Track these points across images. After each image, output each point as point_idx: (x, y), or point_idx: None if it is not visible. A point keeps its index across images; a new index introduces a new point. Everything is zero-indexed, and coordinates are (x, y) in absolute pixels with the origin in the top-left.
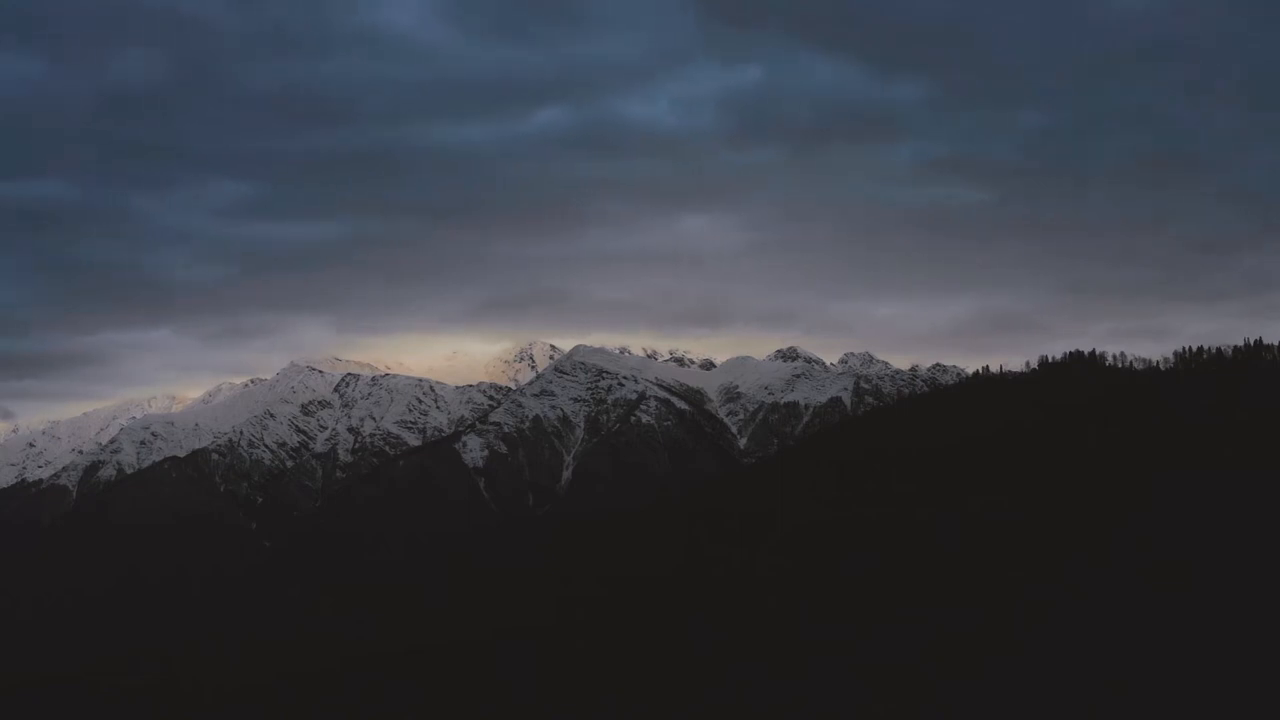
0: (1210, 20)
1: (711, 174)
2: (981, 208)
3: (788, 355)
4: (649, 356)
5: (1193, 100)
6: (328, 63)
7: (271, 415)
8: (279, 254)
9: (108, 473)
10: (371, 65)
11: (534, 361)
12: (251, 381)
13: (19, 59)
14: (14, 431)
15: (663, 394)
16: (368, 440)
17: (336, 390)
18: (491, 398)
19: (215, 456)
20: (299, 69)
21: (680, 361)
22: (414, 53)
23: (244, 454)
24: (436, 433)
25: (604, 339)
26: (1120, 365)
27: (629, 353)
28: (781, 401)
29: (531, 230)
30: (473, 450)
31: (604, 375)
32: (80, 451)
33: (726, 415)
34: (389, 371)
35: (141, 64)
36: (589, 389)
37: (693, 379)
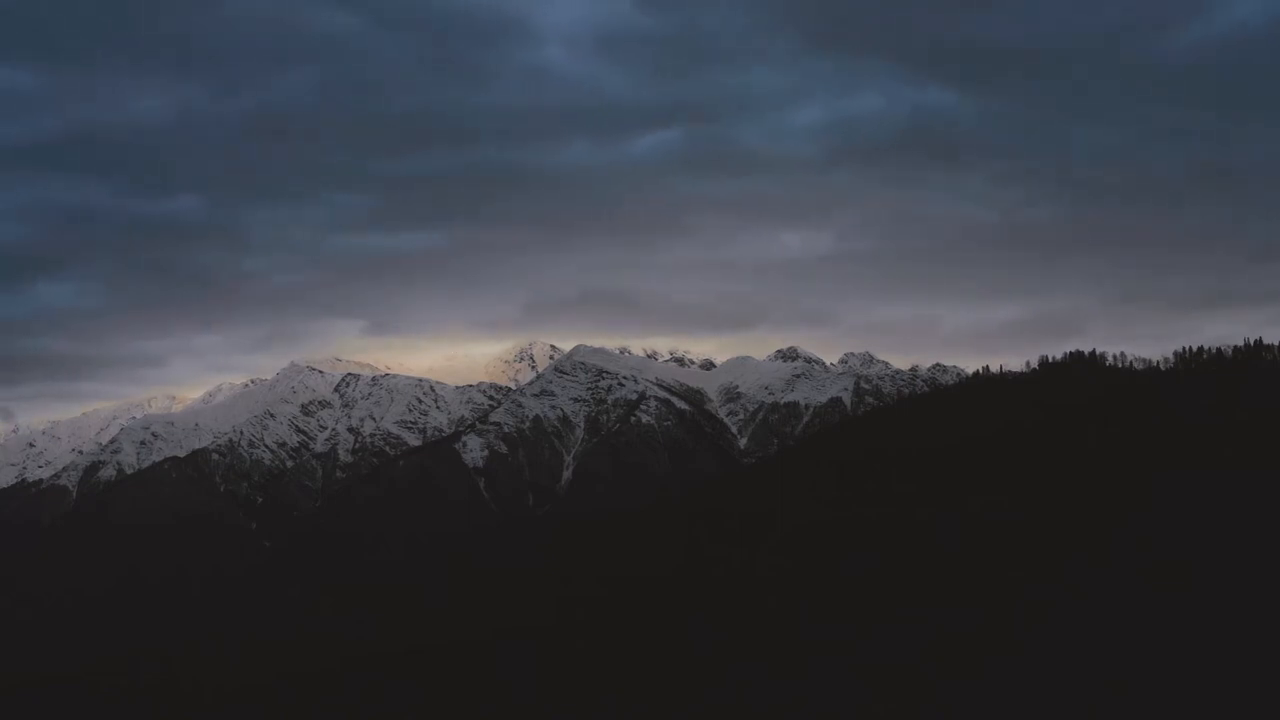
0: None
1: (805, 191)
2: (1048, 220)
3: (788, 355)
4: (649, 356)
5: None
6: (459, 88)
7: (271, 415)
8: (377, 262)
9: (108, 473)
10: (500, 91)
11: (534, 361)
12: (252, 381)
13: (176, 84)
14: (14, 431)
15: (663, 394)
16: (368, 440)
17: (337, 390)
18: (491, 398)
19: (215, 456)
20: (434, 93)
21: (680, 361)
22: (542, 81)
23: (244, 454)
24: (436, 433)
25: (678, 342)
26: (1120, 365)
27: (629, 353)
28: (781, 401)
29: (626, 240)
30: (473, 450)
31: (604, 375)
32: (80, 451)
33: (726, 415)
34: (389, 371)
35: (290, 86)
36: (589, 389)
37: (693, 379)
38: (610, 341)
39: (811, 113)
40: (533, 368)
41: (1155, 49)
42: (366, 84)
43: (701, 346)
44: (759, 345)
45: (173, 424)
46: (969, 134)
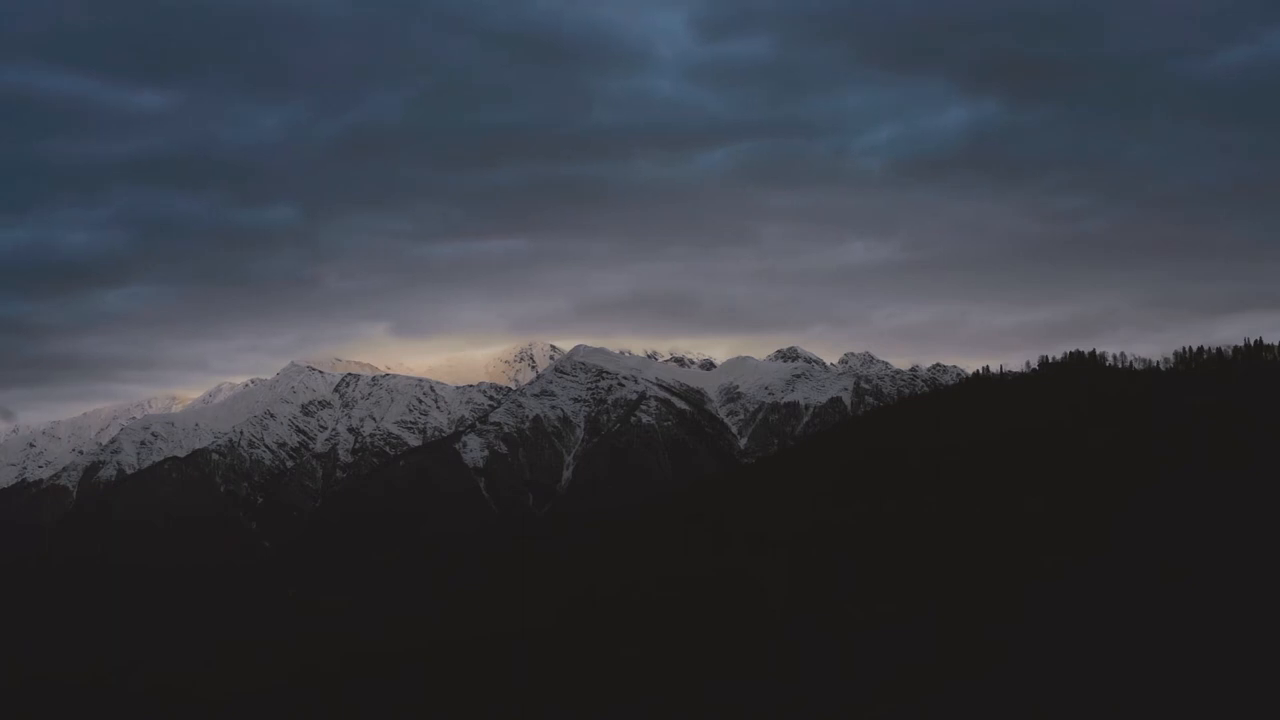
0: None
1: (869, 203)
2: (1099, 230)
3: (788, 355)
4: (649, 357)
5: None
6: (546, 103)
7: (272, 415)
8: (449, 268)
9: (108, 473)
10: (588, 107)
11: (534, 362)
12: (252, 381)
13: (277, 105)
14: (14, 431)
15: (663, 394)
16: (368, 440)
17: (337, 390)
18: (492, 398)
19: (215, 456)
20: (521, 110)
21: (680, 361)
22: (629, 99)
23: (244, 454)
24: (437, 433)
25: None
26: (1120, 365)
27: (629, 353)
28: (781, 401)
29: (698, 248)
30: (473, 450)
31: (604, 375)
32: (80, 451)
33: (727, 415)
34: (389, 372)
35: (386, 104)
36: (589, 389)
37: (693, 379)
38: (664, 345)
39: (876, 127)
40: (533, 368)
41: (1201, 68)
42: (459, 101)
43: (706, 349)
44: (760, 345)
45: (173, 424)
46: (1025, 148)
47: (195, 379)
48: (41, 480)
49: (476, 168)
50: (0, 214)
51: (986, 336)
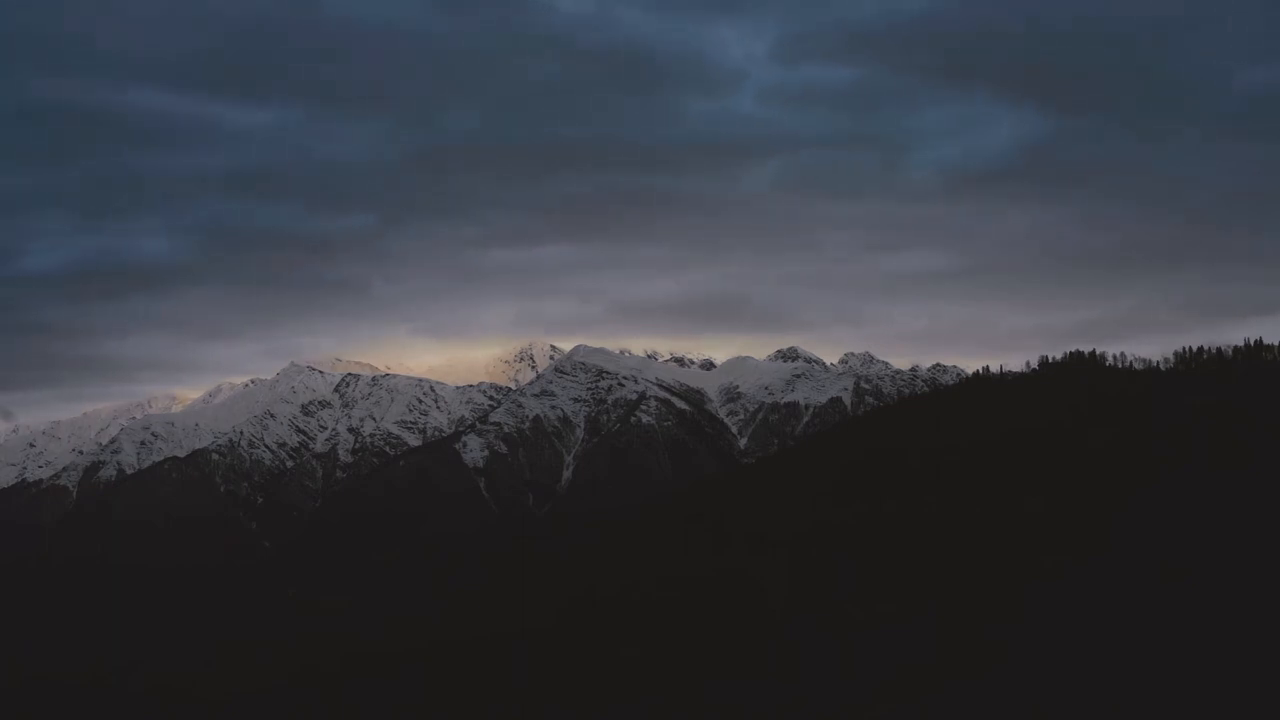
0: None
1: (915, 216)
2: (1137, 237)
3: (788, 355)
4: (649, 357)
5: None
6: (621, 118)
7: (272, 415)
8: (499, 273)
9: (108, 473)
10: (662, 122)
11: (534, 362)
12: (252, 381)
13: (363, 121)
14: (14, 431)
15: (663, 394)
16: (368, 440)
17: (337, 390)
18: (492, 398)
19: (215, 456)
20: (597, 122)
21: (680, 362)
22: (701, 115)
23: (244, 454)
24: (437, 433)
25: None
26: (1120, 365)
27: (629, 353)
28: (782, 401)
29: (751, 255)
30: (473, 450)
31: (604, 375)
32: (80, 451)
33: (727, 415)
34: (389, 371)
35: (464, 118)
36: (589, 389)
37: (693, 379)
38: (711, 348)
39: (929, 141)
40: (533, 368)
41: (1237, 85)
42: (534, 115)
43: (702, 348)
44: (760, 345)
45: (173, 424)
46: (1075, 158)
47: (205, 379)
48: (41, 480)
49: (542, 179)
50: (82, 220)
51: (1018, 337)
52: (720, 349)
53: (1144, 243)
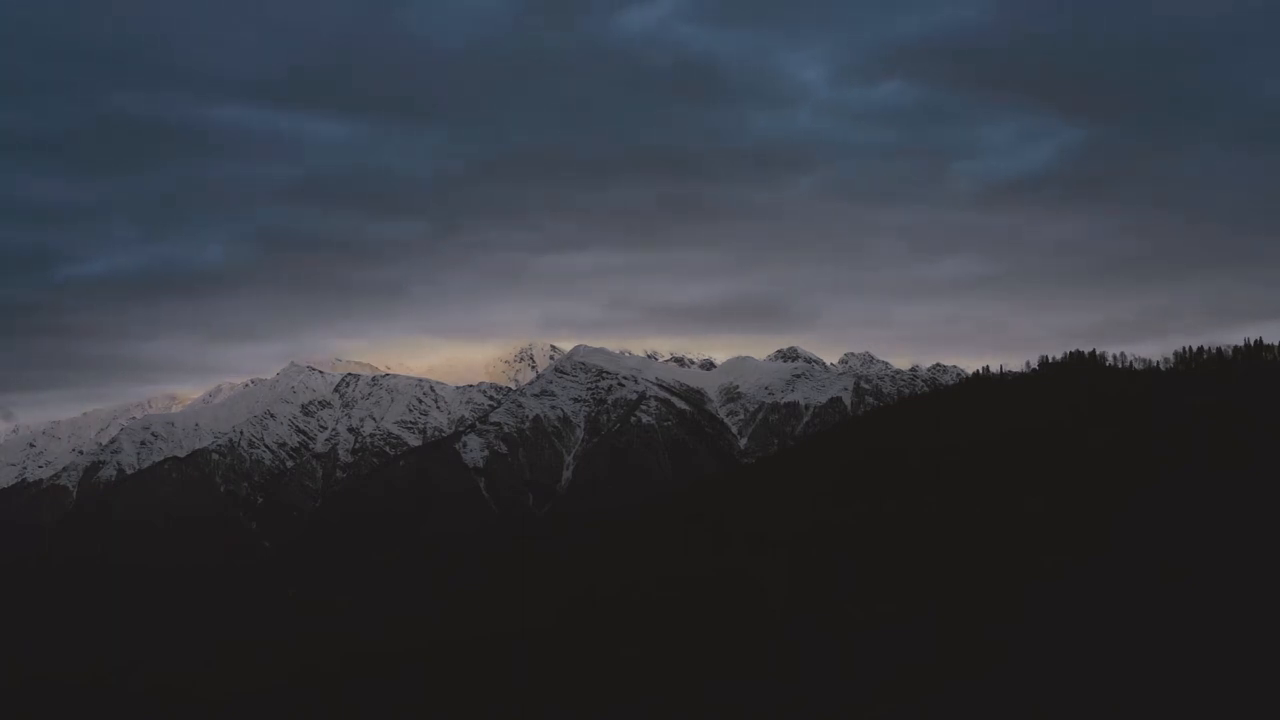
0: None
1: (953, 224)
2: (1165, 242)
3: (788, 355)
4: (649, 357)
5: None
6: (679, 124)
7: (272, 415)
8: (550, 277)
9: (108, 473)
10: (734, 130)
11: (534, 362)
12: (252, 381)
13: (424, 131)
14: (14, 431)
15: (663, 394)
16: (368, 440)
17: (337, 390)
18: (492, 398)
19: (215, 456)
20: (652, 133)
21: (680, 361)
22: (763, 125)
23: (244, 454)
24: (437, 433)
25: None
26: (1120, 365)
27: (629, 353)
28: (782, 401)
29: (801, 257)
30: (473, 450)
31: (604, 375)
32: (80, 451)
33: (727, 415)
34: (389, 371)
35: (526, 130)
36: (589, 389)
37: (693, 379)
38: (711, 348)
39: (969, 152)
40: (533, 368)
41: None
42: (594, 124)
43: (705, 349)
44: (760, 345)
45: (173, 424)
46: (1102, 167)
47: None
48: (41, 480)
49: (597, 187)
50: (148, 229)
51: (1048, 337)
52: (720, 349)
53: (1174, 248)
